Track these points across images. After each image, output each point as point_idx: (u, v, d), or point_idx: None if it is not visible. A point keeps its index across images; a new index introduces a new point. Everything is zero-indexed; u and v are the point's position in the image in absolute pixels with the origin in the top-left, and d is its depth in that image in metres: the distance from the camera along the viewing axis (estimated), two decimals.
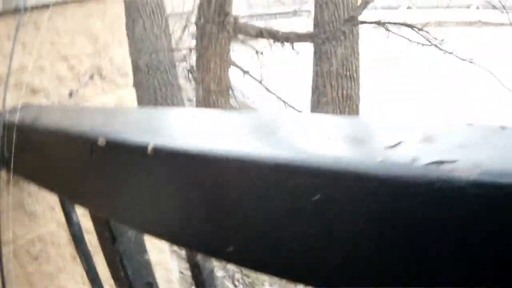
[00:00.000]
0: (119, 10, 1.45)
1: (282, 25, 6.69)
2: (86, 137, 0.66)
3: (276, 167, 0.39)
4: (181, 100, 5.65)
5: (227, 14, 4.36)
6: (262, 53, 4.97)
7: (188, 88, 6.07)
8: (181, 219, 0.54)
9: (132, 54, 5.13)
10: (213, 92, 4.56)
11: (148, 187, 0.57)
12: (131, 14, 5.33)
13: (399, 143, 0.35)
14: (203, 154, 0.47)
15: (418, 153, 0.32)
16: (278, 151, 0.42)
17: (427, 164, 0.30)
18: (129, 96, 1.51)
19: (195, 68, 5.05)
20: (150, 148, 0.51)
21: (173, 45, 5.71)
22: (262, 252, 0.43)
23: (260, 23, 7.65)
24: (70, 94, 1.34)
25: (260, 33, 4.73)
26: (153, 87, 5.54)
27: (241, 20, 4.78)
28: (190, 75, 5.60)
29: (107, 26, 1.43)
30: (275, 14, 14.24)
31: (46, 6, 1.34)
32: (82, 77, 1.35)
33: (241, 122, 0.58)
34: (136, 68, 5.69)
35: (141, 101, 5.55)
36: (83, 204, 0.83)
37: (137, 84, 5.10)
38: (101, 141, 0.60)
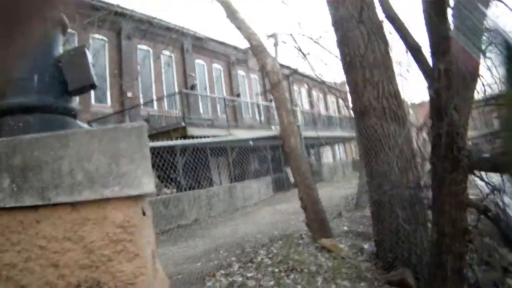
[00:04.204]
0: (122, 217, 1.25)
1: None
2: None
3: None
4: (424, 237, 5.59)
5: (460, 149, 4.02)
6: (500, 190, 4.42)
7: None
8: None
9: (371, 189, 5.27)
10: (447, 235, 4.15)
11: None
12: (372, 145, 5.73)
13: None
14: None
15: None
16: None
17: None
18: None
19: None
20: None
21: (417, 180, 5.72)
22: None
23: None
24: None
25: (495, 168, 4.22)
26: (395, 223, 5.68)
27: (476, 155, 4.32)
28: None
29: (107, 235, 1.25)
30: None
31: (33, 208, 1.23)
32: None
33: None
34: (378, 203, 6.04)
35: (382, 235, 6.08)
36: None
37: (379, 217, 5.19)
38: None
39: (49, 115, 1.56)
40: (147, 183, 1.26)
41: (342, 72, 6.43)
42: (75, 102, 1.70)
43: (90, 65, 1.68)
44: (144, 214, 1.34)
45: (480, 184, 4.71)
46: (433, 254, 4.37)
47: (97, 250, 1.24)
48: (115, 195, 1.23)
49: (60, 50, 1.71)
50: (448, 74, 3.84)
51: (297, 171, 8.25)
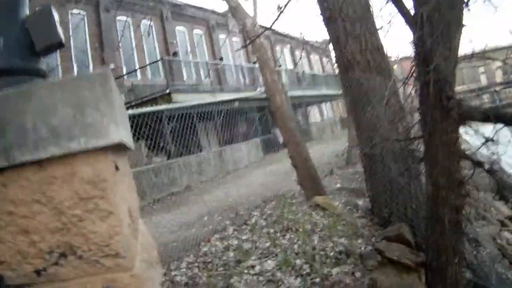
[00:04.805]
0: (92, 172, 1.16)
1: None
2: None
3: None
4: (418, 191, 5.57)
5: (449, 98, 3.90)
6: (492, 140, 4.23)
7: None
8: None
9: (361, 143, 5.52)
10: (442, 187, 4.05)
11: None
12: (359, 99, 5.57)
13: None
14: None
15: None
16: None
17: None
18: (128, 281, 1.21)
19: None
20: None
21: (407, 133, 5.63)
22: None
23: None
24: (38, 273, 1.20)
25: (487, 118, 4.03)
26: (388, 177, 5.73)
27: (465, 103, 4.13)
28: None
29: (76, 193, 1.15)
30: None
31: None
32: (46, 254, 1.11)
33: None
34: (369, 157, 6.11)
35: (376, 190, 6.24)
36: None
37: (371, 172, 5.33)
38: None
39: (17, 77, 1.47)
40: (114, 132, 1.16)
41: (324, 29, 6.35)
42: (44, 63, 1.61)
43: (57, 24, 1.59)
44: (117, 168, 1.25)
45: (470, 138, 4.63)
46: (429, 208, 4.31)
47: (67, 210, 1.15)
48: (82, 148, 1.13)
49: (26, 12, 1.61)
50: (431, 20, 3.74)
51: (284, 129, 8.24)
